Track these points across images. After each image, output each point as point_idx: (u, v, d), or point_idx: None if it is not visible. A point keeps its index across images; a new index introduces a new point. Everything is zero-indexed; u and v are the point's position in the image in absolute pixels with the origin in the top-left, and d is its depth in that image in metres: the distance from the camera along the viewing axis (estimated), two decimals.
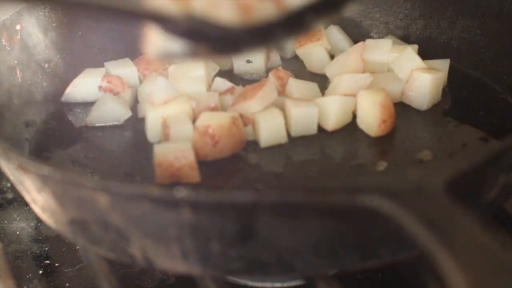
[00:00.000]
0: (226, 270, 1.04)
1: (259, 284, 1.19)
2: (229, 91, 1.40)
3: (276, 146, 1.29)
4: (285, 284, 1.18)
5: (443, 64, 1.44)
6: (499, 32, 1.46)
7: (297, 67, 1.56)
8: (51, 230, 1.34)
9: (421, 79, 1.37)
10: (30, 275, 1.27)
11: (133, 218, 0.98)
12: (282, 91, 1.41)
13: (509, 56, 1.41)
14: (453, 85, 1.45)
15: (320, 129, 1.32)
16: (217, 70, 1.50)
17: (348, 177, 1.19)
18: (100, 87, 1.46)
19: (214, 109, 1.34)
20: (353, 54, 1.46)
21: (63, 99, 1.47)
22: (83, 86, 1.46)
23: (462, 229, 0.82)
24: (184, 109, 1.32)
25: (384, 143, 1.29)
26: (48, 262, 1.31)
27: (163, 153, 1.21)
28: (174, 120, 1.29)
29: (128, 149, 1.34)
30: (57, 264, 1.30)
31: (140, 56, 1.53)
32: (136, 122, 1.41)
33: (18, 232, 1.39)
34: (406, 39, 1.57)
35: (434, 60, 1.45)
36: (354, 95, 1.34)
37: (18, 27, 1.42)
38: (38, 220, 1.39)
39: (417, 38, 1.57)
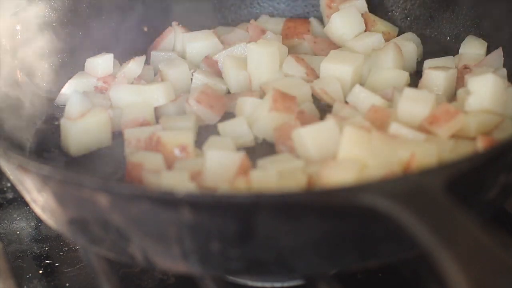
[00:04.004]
0: (226, 270, 1.04)
1: (259, 284, 1.19)
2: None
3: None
4: (285, 284, 1.18)
5: (449, 62, 1.45)
6: (499, 32, 1.46)
7: None
8: (51, 230, 1.34)
9: (434, 76, 1.37)
10: (30, 275, 1.27)
11: (133, 218, 0.98)
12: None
13: (510, 55, 1.41)
14: None
15: None
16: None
17: None
18: (96, 87, 1.46)
19: (143, 124, 1.34)
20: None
21: (55, 103, 1.46)
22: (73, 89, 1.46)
23: (462, 229, 0.82)
24: (101, 120, 1.33)
25: None
26: (48, 262, 1.31)
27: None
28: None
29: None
30: (57, 264, 1.30)
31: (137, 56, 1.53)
32: None
33: (18, 232, 1.39)
34: (405, 39, 1.57)
35: (438, 58, 1.46)
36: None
37: (18, 27, 1.42)
38: (38, 220, 1.39)
39: (417, 38, 1.57)
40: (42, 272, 1.28)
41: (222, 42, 1.55)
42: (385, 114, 1.25)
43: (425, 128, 1.20)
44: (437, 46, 1.55)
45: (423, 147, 1.12)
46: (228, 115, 1.38)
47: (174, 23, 1.61)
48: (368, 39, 1.51)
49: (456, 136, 1.21)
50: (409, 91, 1.26)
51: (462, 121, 1.20)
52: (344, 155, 1.11)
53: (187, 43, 1.55)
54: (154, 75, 1.52)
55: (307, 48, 1.57)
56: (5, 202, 1.47)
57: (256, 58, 1.42)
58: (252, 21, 1.62)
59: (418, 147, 1.11)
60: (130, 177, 1.19)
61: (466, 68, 1.41)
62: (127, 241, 1.01)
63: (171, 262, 1.02)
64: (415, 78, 1.45)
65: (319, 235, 0.96)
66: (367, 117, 1.24)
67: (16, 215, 1.43)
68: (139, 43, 1.61)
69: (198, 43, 1.54)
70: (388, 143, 1.12)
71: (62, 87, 1.47)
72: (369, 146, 1.11)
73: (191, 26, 1.63)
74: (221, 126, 1.32)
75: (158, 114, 1.39)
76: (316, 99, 1.41)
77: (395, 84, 1.38)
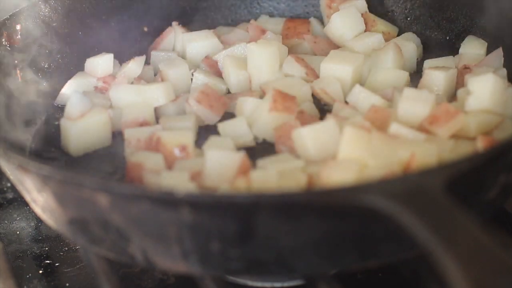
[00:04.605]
0: (226, 270, 1.04)
1: (259, 284, 1.19)
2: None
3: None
4: (285, 284, 1.18)
5: (449, 62, 1.45)
6: (499, 32, 1.46)
7: None
8: (51, 230, 1.34)
9: (434, 77, 1.37)
10: (30, 275, 1.27)
11: (133, 218, 0.98)
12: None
13: (510, 55, 1.41)
14: None
15: None
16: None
17: None
18: (96, 87, 1.46)
19: (143, 124, 1.34)
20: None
21: (55, 103, 1.46)
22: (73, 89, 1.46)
23: (462, 229, 0.82)
24: (101, 120, 1.33)
25: None
26: (48, 262, 1.31)
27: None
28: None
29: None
30: (57, 264, 1.30)
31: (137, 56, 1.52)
32: None
33: (18, 232, 1.39)
34: (405, 39, 1.58)
35: (438, 58, 1.46)
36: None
37: (18, 27, 1.42)
38: (38, 220, 1.39)
39: (417, 38, 1.57)
40: (42, 272, 1.28)
41: (222, 42, 1.55)
42: (385, 114, 1.25)
43: (425, 128, 1.20)
44: (437, 46, 1.55)
45: (423, 147, 1.12)
46: (228, 115, 1.38)
47: (174, 23, 1.61)
48: (368, 39, 1.51)
49: (456, 136, 1.21)
50: (409, 91, 1.26)
51: (462, 121, 1.20)
52: (344, 155, 1.11)
53: (187, 43, 1.55)
54: (154, 75, 1.52)
55: (307, 48, 1.57)
56: (5, 202, 1.47)
57: (256, 58, 1.42)
58: (252, 21, 1.62)
59: (418, 147, 1.11)
60: (130, 177, 1.19)
61: (466, 68, 1.41)
62: (127, 241, 1.01)
63: (171, 262, 1.02)
64: (415, 78, 1.45)
65: (319, 235, 0.96)
66: (367, 117, 1.24)
67: (16, 215, 1.43)
68: (139, 43, 1.61)
69: (198, 43, 1.54)
70: (388, 143, 1.12)
71: (62, 87, 1.47)
72: (369, 146, 1.11)
73: (191, 26, 1.63)
74: (221, 126, 1.32)
75: (158, 114, 1.39)
76: (316, 99, 1.41)
77: (395, 84, 1.38)
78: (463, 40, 1.50)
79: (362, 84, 1.39)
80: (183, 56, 1.55)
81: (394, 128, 1.17)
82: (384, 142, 1.12)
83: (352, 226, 0.96)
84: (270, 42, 1.45)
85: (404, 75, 1.42)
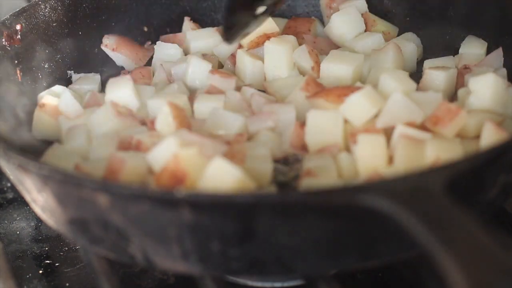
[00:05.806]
0: (226, 270, 1.04)
1: (259, 284, 1.19)
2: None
3: None
4: (285, 284, 1.18)
5: (449, 62, 1.45)
6: (499, 32, 1.46)
7: None
8: (51, 230, 1.34)
9: (434, 77, 1.37)
10: (30, 275, 1.27)
11: (133, 218, 0.98)
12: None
13: (510, 55, 1.41)
14: None
15: None
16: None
17: None
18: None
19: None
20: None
21: None
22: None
23: (462, 229, 0.82)
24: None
25: None
26: (48, 262, 1.31)
27: None
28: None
29: None
30: (57, 264, 1.30)
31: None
32: None
33: (18, 232, 1.39)
34: (405, 39, 1.58)
35: (438, 58, 1.46)
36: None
37: (18, 27, 1.42)
38: (38, 220, 1.39)
39: (417, 38, 1.57)
40: (42, 272, 1.28)
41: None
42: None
43: (429, 129, 1.19)
44: (437, 46, 1.55)
45: (447, 147, 1.11)
46: None
47: (186, 18, 1.62)
48: (368, 39, 1.51)
49: (457, 136, 1.20)
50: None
51: (465, 118, 1.20)
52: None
53: (191, 41, 1.55)
54: (154, 72, 1.51)
55: None
56: (5, 202, 1.47)
57: (273, 55, 1.42)
58: None
59: (442, 147, 1.11)
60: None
61: (466, 68, 1.41)
62: (127, 241, 1.01)
63: (171, 262, 1.02)
64: (415, 78, 1.45)
65: (319, 235, 0.96)
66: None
67: (16, 215, 1.43)
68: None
69: (202, 41, 1.54)
70: (412, 145, 1.12)
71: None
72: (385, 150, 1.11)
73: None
74: None
75: None
76: None
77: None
78: (463, 40, 1.50)
79: (362, 84, 1.39)
80: (187, 52, 1.55)
81: (400, 129, 1.16)
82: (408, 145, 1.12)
83: (352, 226, 0.96)
84: (286, 39, 1.45)
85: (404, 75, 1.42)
